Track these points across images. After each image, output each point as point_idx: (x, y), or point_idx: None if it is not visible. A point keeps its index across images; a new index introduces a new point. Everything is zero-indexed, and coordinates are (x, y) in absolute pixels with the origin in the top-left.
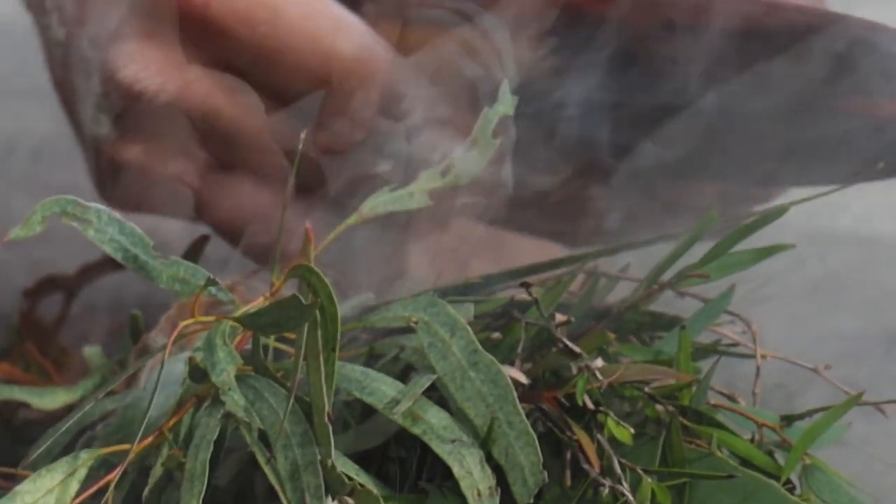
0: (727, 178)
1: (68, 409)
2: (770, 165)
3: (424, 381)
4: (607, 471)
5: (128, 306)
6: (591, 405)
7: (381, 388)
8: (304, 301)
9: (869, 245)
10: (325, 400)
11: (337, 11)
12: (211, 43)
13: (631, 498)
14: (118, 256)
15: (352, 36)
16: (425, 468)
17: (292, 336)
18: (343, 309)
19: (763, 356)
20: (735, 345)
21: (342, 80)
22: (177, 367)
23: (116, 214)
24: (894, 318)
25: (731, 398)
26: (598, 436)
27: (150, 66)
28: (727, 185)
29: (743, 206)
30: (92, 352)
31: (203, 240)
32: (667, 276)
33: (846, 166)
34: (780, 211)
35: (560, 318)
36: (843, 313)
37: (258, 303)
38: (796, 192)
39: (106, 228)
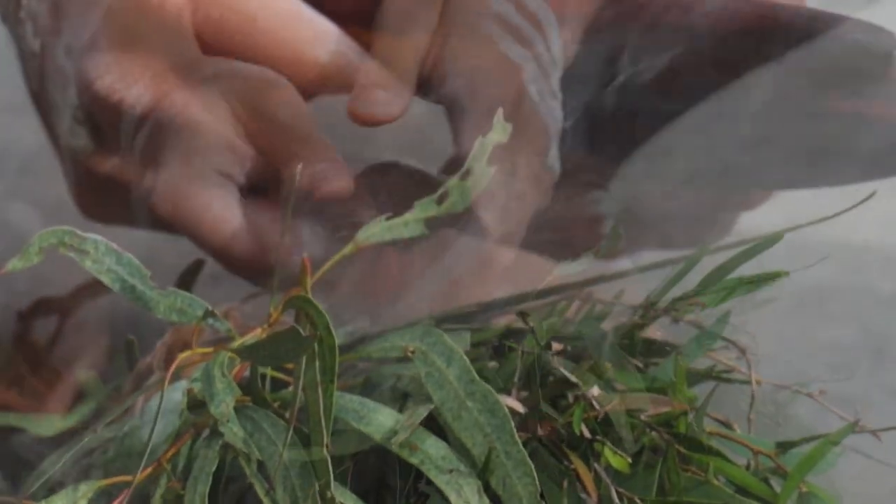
0: (718, 184)
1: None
2: (760, 170)
3: (422, 411)
4: (605, 500)
5: (120, 322)
6: (587, 434)
7: (378, 418)
8: (302, 333)
9: (858, 254)
10: (324, 431)
11: (310, 17)
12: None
13: None
14: (116, 287)
15: (326, 42)
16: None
17: (290, 365)
18: (340, 336)
19: (758, 382)
20: (730, 371)
21: (317, 86)
22: (174, 395)
23: (114, 245)
24: (884, 327)
25: (727, 425)
26: (596, 465)
27: (127, 77)
28: (718, 190)
29: (734, 211)
30: (87, 376)
31: (198, 264)
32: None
33: (838, 168)
34: (775, 238)
35: (556, 346)
36: (833, 323)
37: (256, 334)
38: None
39: (103, 259)
